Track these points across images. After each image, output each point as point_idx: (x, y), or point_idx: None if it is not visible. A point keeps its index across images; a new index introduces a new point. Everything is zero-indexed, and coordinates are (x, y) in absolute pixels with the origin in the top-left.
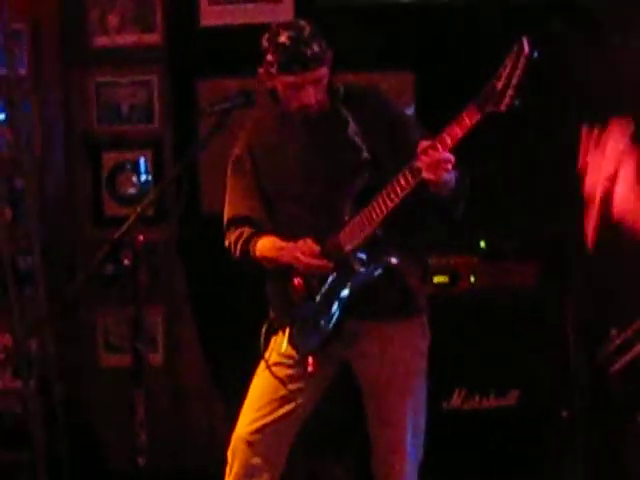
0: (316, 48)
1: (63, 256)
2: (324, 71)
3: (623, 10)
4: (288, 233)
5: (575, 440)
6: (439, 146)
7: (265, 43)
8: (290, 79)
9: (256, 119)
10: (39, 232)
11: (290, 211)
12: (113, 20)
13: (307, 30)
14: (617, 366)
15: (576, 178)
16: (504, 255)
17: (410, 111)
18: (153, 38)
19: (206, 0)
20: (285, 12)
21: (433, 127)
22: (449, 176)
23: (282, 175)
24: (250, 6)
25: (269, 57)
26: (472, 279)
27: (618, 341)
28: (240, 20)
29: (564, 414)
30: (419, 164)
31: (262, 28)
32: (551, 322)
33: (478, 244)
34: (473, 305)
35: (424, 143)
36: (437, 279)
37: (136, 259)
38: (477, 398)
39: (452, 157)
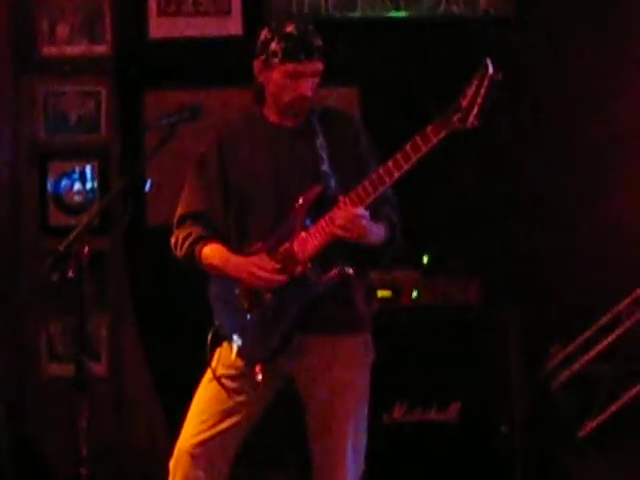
0: (320, 41)
1: (8, 265)
2: (322, 66)
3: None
4: (238, 236)
5: (515, 455)
6: (348, 202)
7: (268, 34)
8: (293, 67)
9: (227, 120)
10: None
11: (245, 214)
12: (62, 30)
13: (310, 25)
14: (559, 381)
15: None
16: (447, 271)
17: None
18: (102, 49)
19: (155, 12)
20: (234, 25)
21: (379, 142)
22: (366, 232)
23: (247, 178)
24: (199, 19)
25: (273, 46)
26: (415, 294)
27: (560, 356)
28: (189, 33)
29: (503, 429)
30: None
31: (211, 41)
32: (493, 337)
33: (421, 259)
34: (416, 319)
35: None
36: (380, 293)
37: (81, 271)
38: (418, 411)
39: (365, 213)
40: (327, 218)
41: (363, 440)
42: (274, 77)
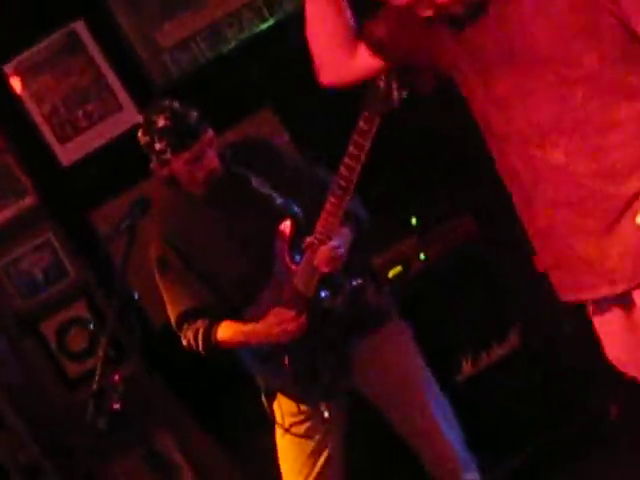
0: (195, 114)
1: (51, 432)
2: (212, 131)
3: None
4: (238, 299)
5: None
6: (319, 237)
7: (145, 137)
8: (187, 155)
9: (159, 212)
10: (20, 426)
11: (233, 279)
12: None
13: (175, 104)
14: None
15: None
16: (439, 220)
17: (286, 139)
18: (29, 200)
19: (55, 142)
20: (130, 116)
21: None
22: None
23: (212, 253)
24: (97, 127)
25: (157, 146)
26: (422, 256)
27: None
28: (96, 144)
29: (567, 329)
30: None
31: (119, 140)
32: (510, 256)
33: (410, 223)
34: (435, 278)
35: (308, 240)
36: (392, 273)
37: (124, 397)
38: (484, 356)
39: (337, 244)
40: (310, 253)
41: (446, 405)
42: (175, 168)
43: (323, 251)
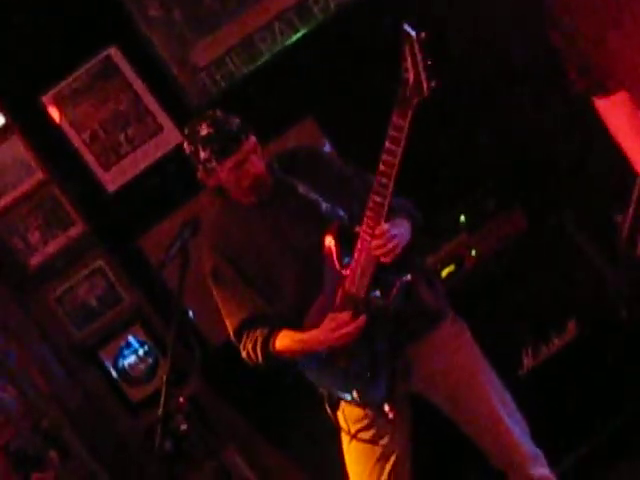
0: (236, 120)
1: (118, 458)
2: (255, 138)
3: None
4: (293, 306)
5: None
6: (367, 228)
7: (190, 147)
8: (232, 161)
9: (209, 225)
10: (87, 455)
11: (287, 285)
12: (34, 236)
13: (218, 112)
14: None
15: None
16: (487, 216)
17: (327, 149)
18: (77, 229)
19: (100, 169)
20: (171, 137)
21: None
22: (402, 237)
23: (264, 262)
24: (139, 151)
25: (202, 155)
26: (473, 253)
27: (627, 224)
28: (139, 167)
29: (623, 313)
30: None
31: (162, 162)
32: (562, 243)
33: (459, 221)
34: (490, 273)
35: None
36: (445, 272)
37: (190, 418)
38: (544, 348)
39: (388, 226)
40: (361, 247)
41: (510, 400)
42: (221, 177)
43: (377, 238)
